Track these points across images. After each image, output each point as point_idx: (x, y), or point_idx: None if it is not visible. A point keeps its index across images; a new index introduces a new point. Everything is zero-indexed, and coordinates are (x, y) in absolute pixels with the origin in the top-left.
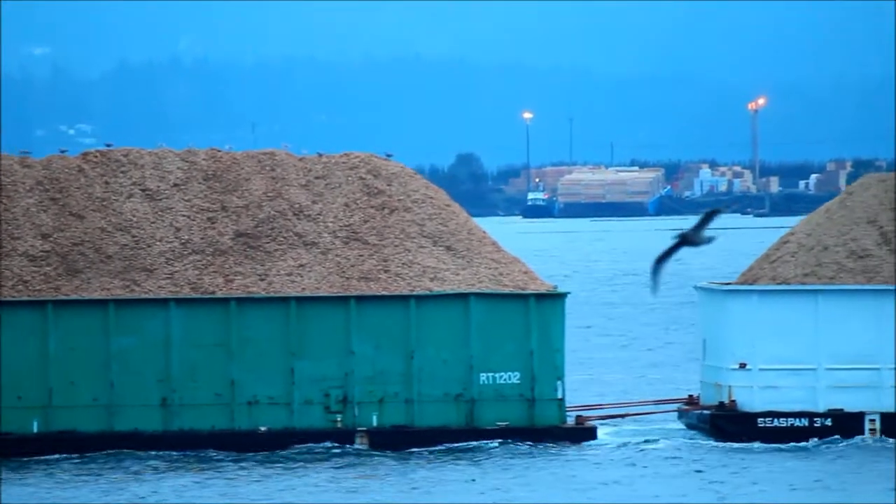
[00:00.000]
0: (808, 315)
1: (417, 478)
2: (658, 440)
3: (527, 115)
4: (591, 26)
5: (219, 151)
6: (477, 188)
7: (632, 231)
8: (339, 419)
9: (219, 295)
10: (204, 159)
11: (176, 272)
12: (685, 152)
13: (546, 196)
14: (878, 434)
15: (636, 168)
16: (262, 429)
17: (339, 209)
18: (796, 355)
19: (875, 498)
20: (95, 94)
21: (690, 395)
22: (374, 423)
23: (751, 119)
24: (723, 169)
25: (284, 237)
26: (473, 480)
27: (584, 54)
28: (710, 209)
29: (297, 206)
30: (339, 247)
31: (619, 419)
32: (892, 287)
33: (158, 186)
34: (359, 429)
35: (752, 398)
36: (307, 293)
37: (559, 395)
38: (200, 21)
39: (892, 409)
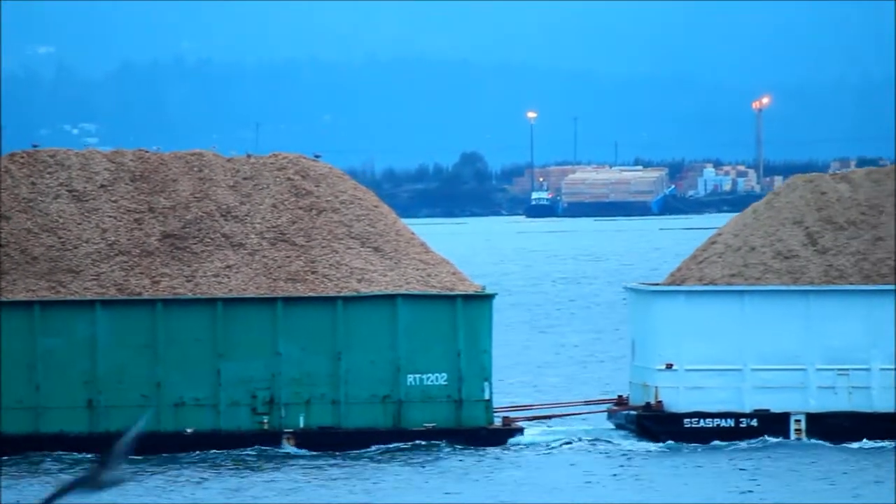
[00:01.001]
0: (734, 316)
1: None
2: (581, 440)
3: (531, 115)
4: (596, 27)
5: (146, 152)
6: (481, 187)
7: (623, 231)
8: (265, 421)
9: (145, 296)
10: (131, 160)
11: (102, 273)
12: (689, 152)
13: (550, 195)
14: (803, 434)
15: (640, 167)
16: (189, 430)
17: (267, 210)
18: (722, 356)
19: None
20: (99, 93)
21: (620, 396)
22: (301, 425)
23: (755, 118)
24: (727, 168)
25: (211, 238)
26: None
27: (588, 54)
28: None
29: (224, 207)
30: (267, 248)
31: (546, 420)
32: (817, 288)
33: (85, 187)
34: (285, 430)
35: (678, 399)
36: (234, 294)
37: (486, 396)
38: (203, 21)
39: (817, 410)
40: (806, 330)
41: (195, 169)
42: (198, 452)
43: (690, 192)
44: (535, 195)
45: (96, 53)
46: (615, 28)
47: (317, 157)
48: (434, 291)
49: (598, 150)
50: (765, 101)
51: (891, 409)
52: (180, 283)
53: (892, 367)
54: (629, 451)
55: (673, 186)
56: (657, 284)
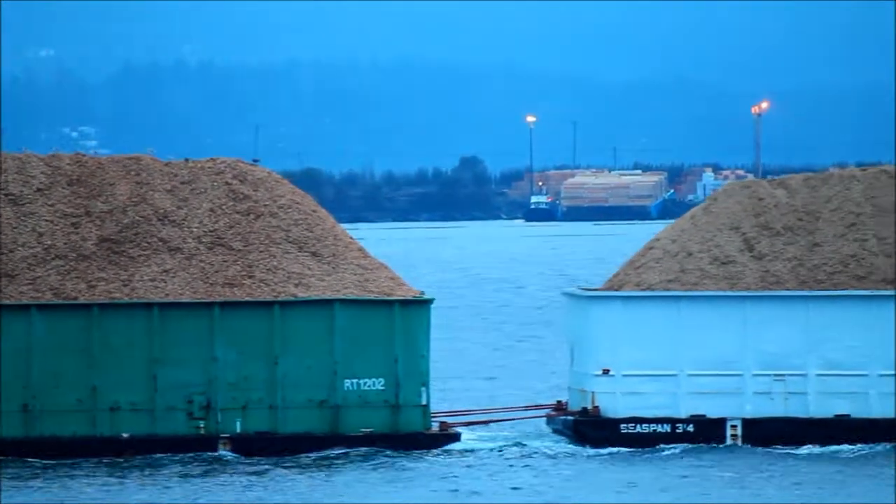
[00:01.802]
0: (670, 321)
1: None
2: (518, 445)
3: (530, 119)
4: (596, 31)
5: (84, 156)
6: (480, 191)
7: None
8: (201, 426)
9: (81, 301)
10: (68, 164)
11: (38, 277)
12: (688, 156)
13: (549, 199)
14: (739, 440)
15: (639, 172)
16: (125, 435)
17: (205, 214)
18: (659, 361)
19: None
20: (99, 96)
21: (559, 401)
22: (238, 430)
23: (754, 123)
24: (726, 172)
25: (149, 243)
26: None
27: (588, 59)
28: None
29: (161, 211)
30: (204, 252)
31: (484, 424)
32: (753, 293)
33: (21, 191)
34: (222, 435)
35: (615, 404)
36: (171, 299)
37: (423, 401)
38: (204, 24)
39: (753, 415)
40: (742, 335)
41: (133, 173)
42: (139, 458)
43: (689, 197)
44: (534, 199)
45: (96, 56)
46: (615, 32)
47: (255, 161)
48: (371, 296)
49: (597, 154)
50: (764, 105)
51: (826, 415)
52: (117, 288)
53: (828, 372)
54: (565, 456)
55: (672, 191)
56: (594, 290)
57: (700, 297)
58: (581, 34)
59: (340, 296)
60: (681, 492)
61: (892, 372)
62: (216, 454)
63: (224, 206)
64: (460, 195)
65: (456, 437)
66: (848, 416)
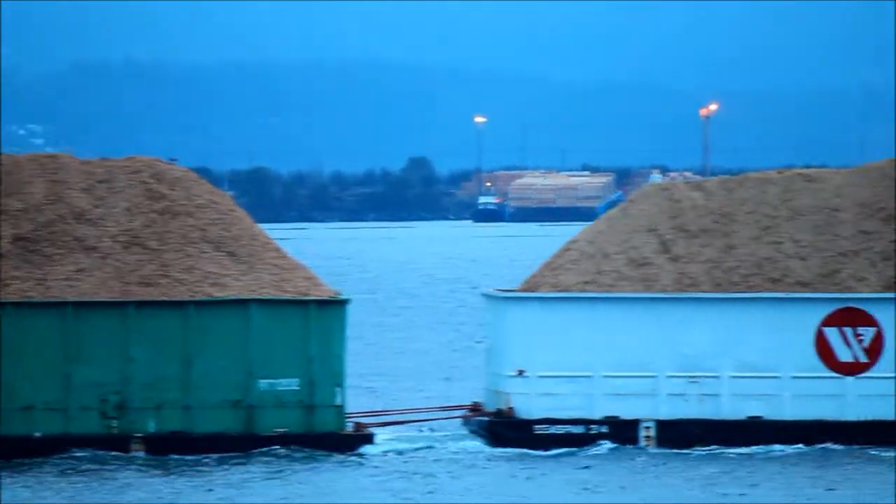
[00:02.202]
0: (586, 323)
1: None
2: (433, 447)
3: (479, 120)
4: (546, 32)
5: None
6: (428, 192)
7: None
8: (115, 425)
9: None
10: None
11: None
12: (636, 158)
13: (497, 200)
14: (653, 442)
15: (587, 173)
16: (37, 434)
17: (121, 213)
18: (574, 363)
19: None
20: (48, 94)
21: (475, 402)
22: (152, 429)
23: (702, 125)
24: (673, 174)
25: (64, 241)
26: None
27: (539, 60)
28: None
29: (77, 210)
30: (120, 251)
31: (399, 425)
32: (669, 295)
33: None
34: (135, 435)
35: (529, 405)
36: (85, 298)
37: (338, 402)
38: (155, 23)
39: (667, 417)
40: (657, 337)
41: (49, 171)
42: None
43: None
44: (482, 200)
45: (45, 54)
46: (566, 33)
47: (173, 160)
48: (287, 296)
49: (546, 155)
50: (713, 107)
51: (740, 417)
52: (31, 287)
53: (742, 374)
54: (479, 457)
55: (620, 192)
56: (511, 291)
57: (616, 298)
58: (531, 35)
59: (256, 296)
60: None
61: (805, 374)
62: (129, 454)
63: (140, 206)
64: (408, 195)
65: (370, 438)
66: (761, 417)
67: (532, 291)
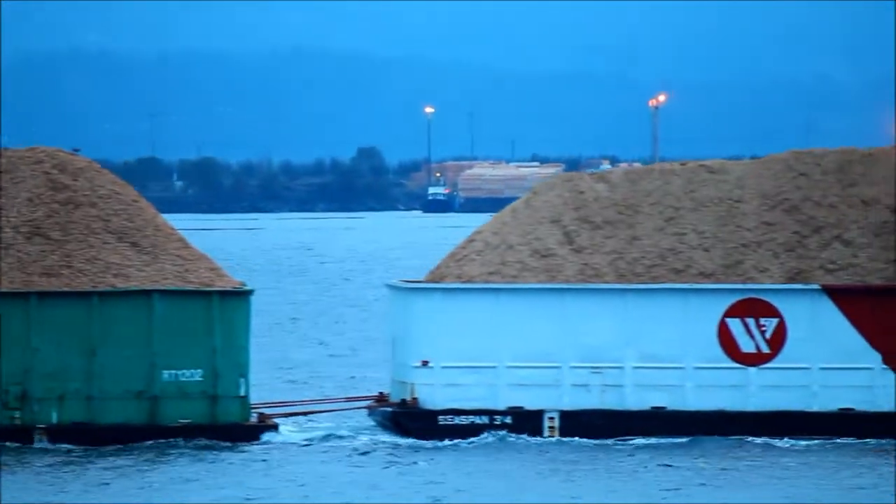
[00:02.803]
0: (490, 313)
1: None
2: (336, 437)
3: (428, 110)
4: (496, 21)
5: None
6: (378, 182)
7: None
8: (17, 416)
9: None
10: None
11: None
12: (586, 148)
13: (447, 191)
14: (556, 433)
15: (536, 164)
16: None
17: (23, 204)
18: (478, 353)
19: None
20: None
21: (381, 393)
22: (54, 420)
23: (651, 116)
24: (623, 165)
25: None
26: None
27: (488, 49)
28: None
29: None
30: (22, 242)
31: (303, 416)
32: (572, 286)
33: None
34: (38, 426)
35: (433, 396)
36: None
37: (242, 393)
38: (101, 12)
39: (570, 408)
40: (561, 328)
41: None
42: None
43: None
44: (431, 190)
45: None
46: (516, 23)
47: (75, 150)
48: (191, 287)
49: (495, 145)
50: (661, 98)
51: (643, 408)
52: None
53: (645, 365)
54: (383, 447)
55: None
56: (416, 282)
57: (519, 289)
58: (481, 25)
59: (159, 286)
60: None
61: (708, 365)
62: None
63: (43, 196)
64: (358, 185)
65: (274, 429)
66: (664, 408)
67: (436, 282)
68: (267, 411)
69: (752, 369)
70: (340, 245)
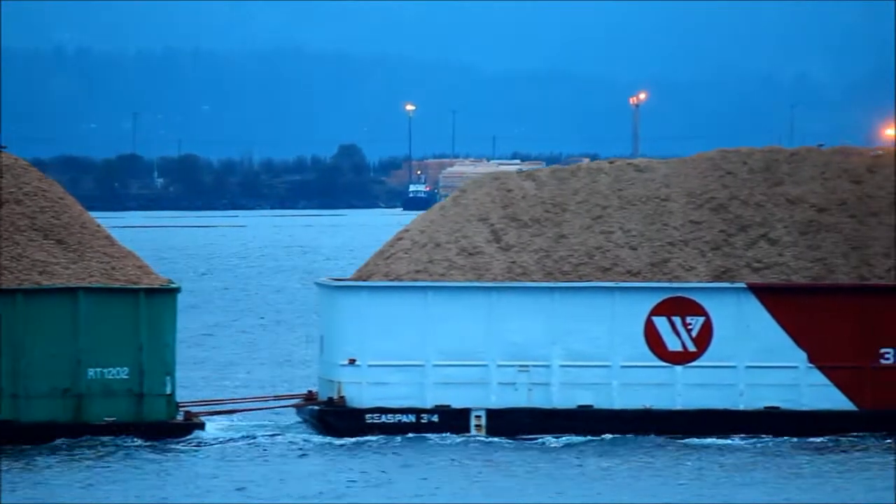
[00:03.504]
0: (417, 312)
1: None
2: (261, 436)
3: (409, 108)
4: (477, 20)
5: None
6: (359, 179)
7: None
8: None
9: None
10: None
11: None
12: (566, 146)
13: (427, 188)
14: (483, 430)
15: (517, 161)
16: None
17: None
18: (405, 352)
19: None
20: None
21: (310, 391)
22: None
23: (632, 114)
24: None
25: None
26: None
27: (470, 48)
28: None
29: None
30: None
31: (230, 414)
32: (499, 284)
33: None
34: None
35: (360, 394)
36: None
37: (168, 391)
38: (81, 11)
39: (497, 406)
40: (488, 326)
41: None
42: None
43: None
44: (412, 188)
45: None
46: (497, 21)
47: (2, 148)
48: (117, 285)
49: (476, 143)
50: (642, 96)
51: (569, 406)
52: None
53: (572, 363)
54: (311, 445)
55: None
56: (343, 280)
57: (447, 287)
58: (462, 23)
59: (85, 284)
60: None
61: (635, 363)
62: None
63: None
64: (339, 183)
65: (200, 427)
66: (591, 406)
67: (364, 280)
68: (195, 409)
69: (679, 368)
70: (329, 244)
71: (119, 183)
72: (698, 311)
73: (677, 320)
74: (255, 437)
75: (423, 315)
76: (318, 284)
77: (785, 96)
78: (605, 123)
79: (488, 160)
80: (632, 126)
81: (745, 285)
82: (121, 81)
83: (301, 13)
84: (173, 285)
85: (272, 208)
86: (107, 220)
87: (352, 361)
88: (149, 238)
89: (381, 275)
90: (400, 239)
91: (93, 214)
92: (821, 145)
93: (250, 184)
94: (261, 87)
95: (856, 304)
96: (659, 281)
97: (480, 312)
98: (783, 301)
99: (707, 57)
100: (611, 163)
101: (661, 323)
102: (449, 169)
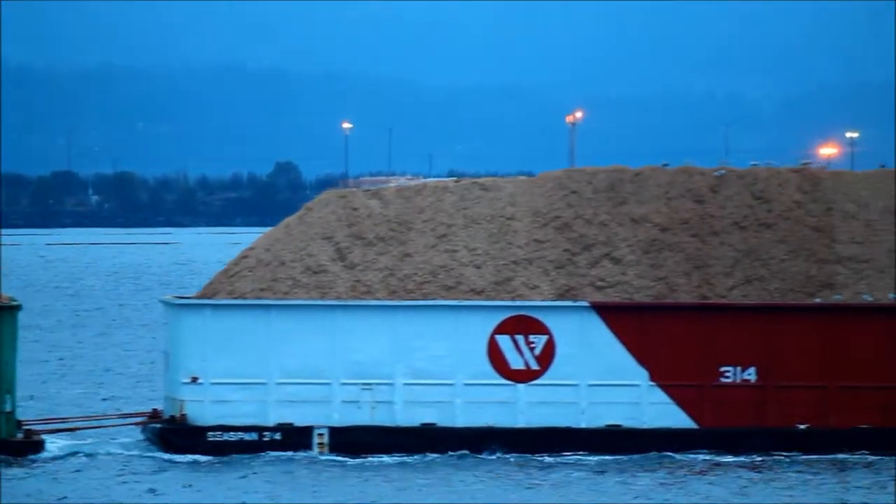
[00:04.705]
0: (260, 330)
1: None
2: (102, 454)
3: (346, 126)
4: (415, 37)
5: None
6: (295, 197)
7: None
8: None
9: None
10: None
11: None
12: (503, 164)
13: None
14: (326, 449)
15: (454, 179)
16: None
17: None
18: (248, 370)
19: None
20: None
21: (155, 409)
22: None
23: (569, 132)
24: None
25: None
26: None
27: (407, 65)
28: None
29: None
30: None
31: (74, 432)
32: (344, 302)
33: None
34: None
35: (203, 412)
36: None
37: (8, 409)
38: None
39: (340, 424)
40: (332, 344)
41: None
42: None
43: None
44: None
45: None
46: (435, 38)
47: None
48: None
49: (413, 161)
50: (578, 115)
51: (413, 424)
52: None
53: (415, 381)
54: (152, 463)
55: None
56: (187, 297)
57: (290, 305)
58: (398, 41)
59: None
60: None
61: (478, 381)
62: None
63: None
64: (275, 200)
65: (40, 445)
66: (434, 424)
67: (207, 298)
68: (38, 427)
69: (522, 386)
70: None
71: (54, 200)
72: (541, 329)
73: (520, 339)
74: (94, 455)
75: (266, 333)
76: (163, 302)
77: (718, 115)
78: (543, 141)
79: (424, 178)
80: (568, 144)
81: (587, 304)
82: (57, 98)
83: (239, 30)
84: (14, 303)
85: (208, 225)
86: (42, 238)
87: (194, 379)
88: (73, 255)
89: (225, 293)
90: (245, 257)
91: (27, 231)
92: (665, 164)
93: (186, 201)
94: (197, 104)
95: (697, 323)
96: (502, 299)
97: (324, 330)
98: (625, 320)
99: (643, 75)
100: (456, 181)
101: (504, 341)
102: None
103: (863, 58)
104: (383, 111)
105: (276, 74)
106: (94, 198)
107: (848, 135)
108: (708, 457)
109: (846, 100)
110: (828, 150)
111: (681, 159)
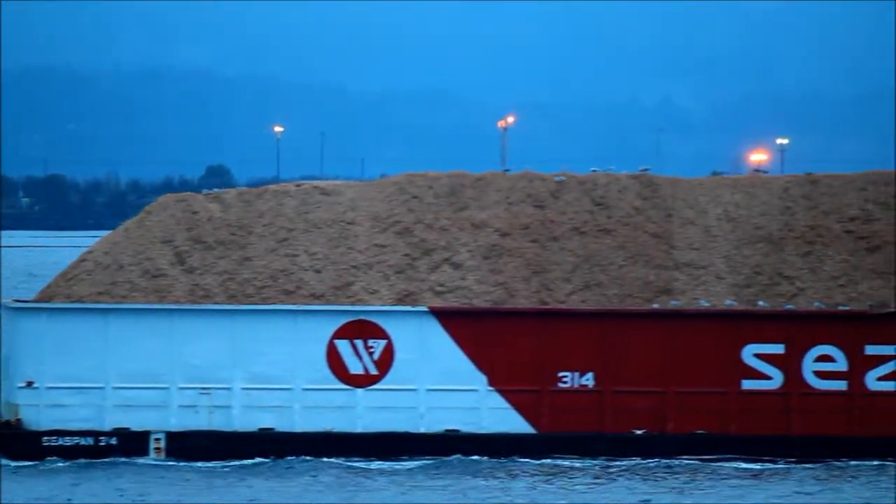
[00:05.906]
0: (97, 334)
1: None
2: None
3: (277, 129)
4: (347, 40)
5: None
6: None
7: None
8: None
9: None
10: None
11: None
12: (434, 167)
13: None
14: (163, 453)
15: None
16: None
17: None
18: (85, 374)
19: None
20: None
21: None
22: None
23: (500, 137)
24: None
25: None
26: None
27: (338, 69)
28: None
29: None
30: None
31: None
32: (181, 306)
33: None
34: None
35: (38, 416)
36: None
37: None
38: None
39: (178, 429)
40: (169, 348)
41: None
42: None
43: None
44: None
45: None
46: (367, 42)
47: None
48: None
49: (344, 165)
50: (510, 119)
51: (251, 429)
52: None
53: (254, 386)
54: None
55: None
56: (24, 301)
57: (126, 309)
58: (331, 43)
59: None
60: None
61: (317, 386)
62: None
63: None
64: None
65: None
66: (272, 429)
67: (44, 302)
68: None
69: (360, 390)
70: None
71: None
72: (380, 334)
73: (359, 343)
74: None
75: (103, 337)
76: (3, 306)
77: (648, 119)
78: (475, 146)
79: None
80: (500, 149)
81: (426, 309)
82: None
83: (167, 31)
84: None
85: None
86: None
87: (30, 384)
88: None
89: (62, 296)
90: (83, 261)
91: None
92: (507, 170)
93: (117, 204)
94: (128, 106)
95: (535, 328)
96: (342, 304)
97: (162, 335)
98: (464, 325)
99: (575, 80)
100: (297, 186)
101: (343, 346)
102: None
103: (788, 68)
104: (315, 115)
105: (206, 78)
106: (25, 200)
107: (778, 141)
108: (547, 461)
109: (777, 107)
110: (758, 157)
111: (608, 164)
